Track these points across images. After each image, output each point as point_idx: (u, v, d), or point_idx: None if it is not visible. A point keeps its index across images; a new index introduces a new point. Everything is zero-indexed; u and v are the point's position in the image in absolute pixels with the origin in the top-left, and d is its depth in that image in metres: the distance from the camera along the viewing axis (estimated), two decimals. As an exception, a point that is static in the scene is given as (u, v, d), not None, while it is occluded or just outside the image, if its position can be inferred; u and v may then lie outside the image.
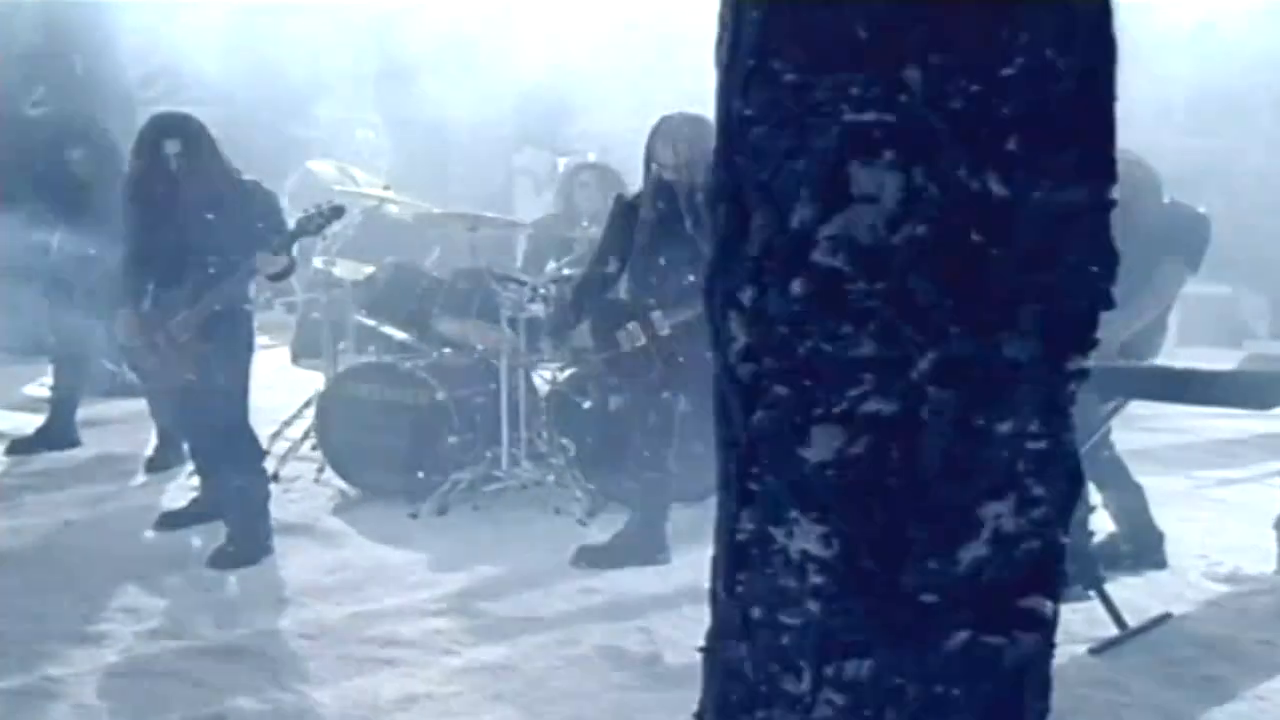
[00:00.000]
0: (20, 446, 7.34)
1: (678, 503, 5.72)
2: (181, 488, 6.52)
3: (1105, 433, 4.96)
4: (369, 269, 7.07)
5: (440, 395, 6.24)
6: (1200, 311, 8.22)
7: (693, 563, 5.41)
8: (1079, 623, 4.57)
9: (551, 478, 6.26)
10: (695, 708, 4.09)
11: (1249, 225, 8.40)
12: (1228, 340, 9.13)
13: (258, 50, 9.95)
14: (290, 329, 8.16)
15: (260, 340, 5.73)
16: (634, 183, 7.01)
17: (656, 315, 5.16)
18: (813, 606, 1.80)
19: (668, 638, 4.69)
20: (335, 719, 4.08)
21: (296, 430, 6.99)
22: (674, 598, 5.09)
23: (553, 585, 5.24)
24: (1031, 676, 1.83)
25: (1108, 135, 1.71)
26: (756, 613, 1.86)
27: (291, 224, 5.48)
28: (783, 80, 1.71)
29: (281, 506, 5.97)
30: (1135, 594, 4.96)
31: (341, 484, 6.51)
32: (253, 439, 5.65)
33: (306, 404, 7.07)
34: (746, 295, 1.78)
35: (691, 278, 5.12)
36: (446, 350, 6.71)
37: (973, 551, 1.76)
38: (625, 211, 5.36)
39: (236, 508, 5.50)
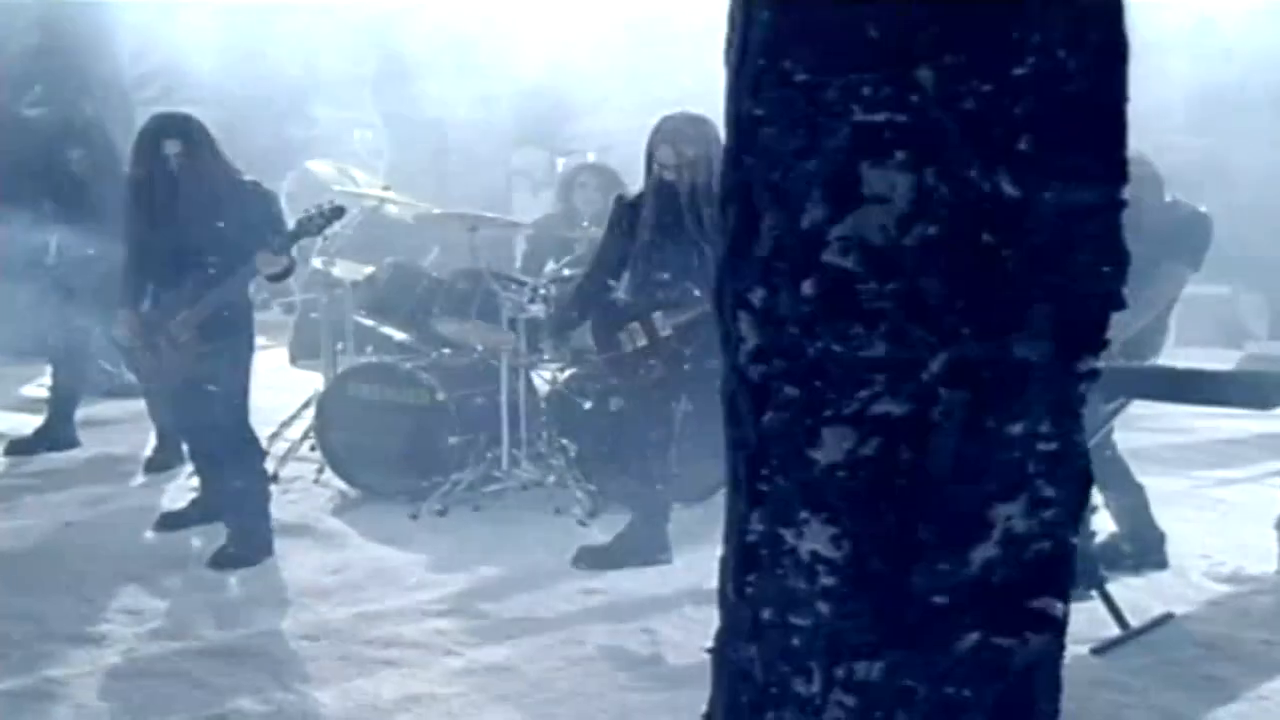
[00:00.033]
0: (19, 447, 7.33)
1: (679, 503, 5.73)
2: (181, 488, 6.51)
3: (1107, 433, 4.96)
4: (368, 269, 7.06)
5: (440, 396, 6.23)
6: (1199, 311, 8.21)
7: (694, 563, 5.43)
8: (1081, 623, 4.54)
9: (552, 478, 6.25)
10: (700, 709, 4.08)
11: (1248, 225, 8.40)
12: (1226, 340, 9.13)
13: (255, 50, 9.96)
14: (288, 329, 8.15)
15: (258, 341, 5.72)
16: (633, 183, 7.01)
17: (658, 316, 5.15)
18: (823, 608, 1.80)
19: (670, 638, 4.68)
20: (337, 720, 4.09)
21: (295, 431, 6.98)
22: (676, 598, 5.09)
23: (554, 586, 5.23)
24: (1042, 677, 1.83)
25: (1119, 135, 1.71)
26: (766, 614, 1.85)
27: (292, 224, 5.47)
28: (793, 80, 1.71)
29: (281, 507, 5.96)
30: (1137, 594, 4.96)
31: (341, 485, 6.50)
32: (253, 439, 5.64)
33: (305, 404, 7.06)
34: (757, 296, 1.78)
35: (692, 279, 5.11)
36: (446, 351, 6.71)
37: (983, 553, 1.75)
38: (626, 212, 5.35)
39: (237, 508, 5.50)
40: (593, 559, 5.42)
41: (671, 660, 4.51)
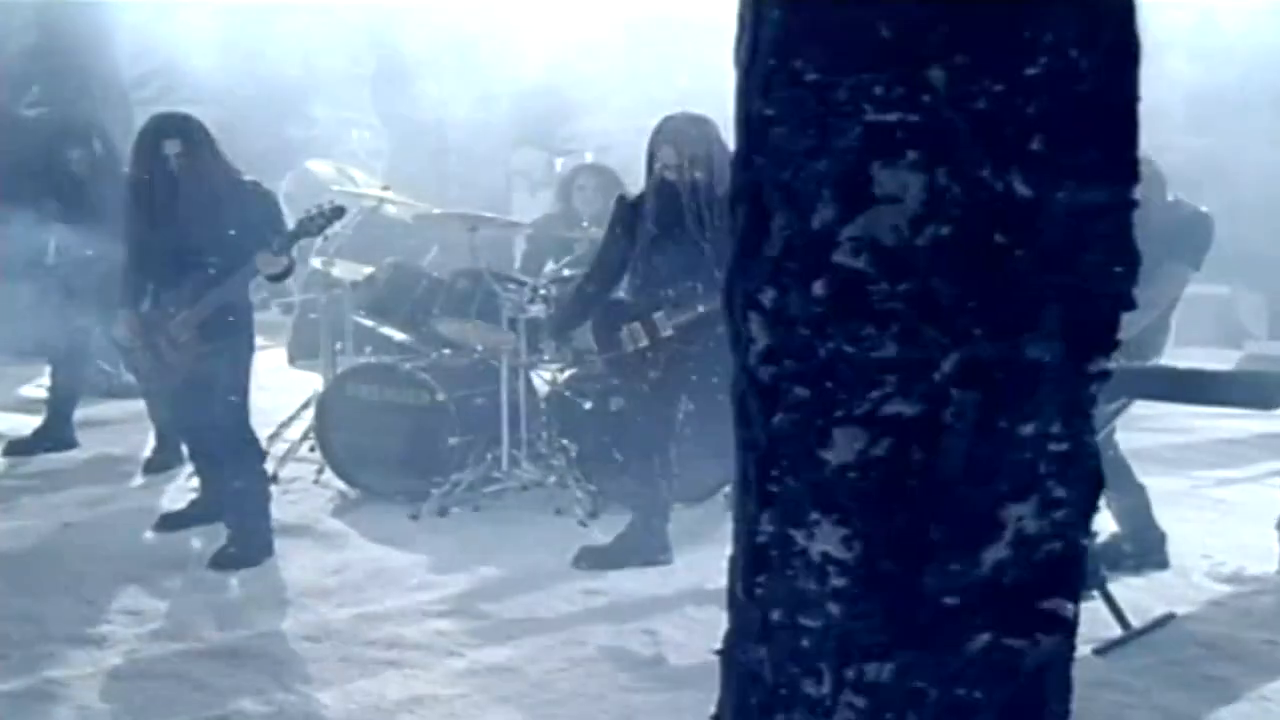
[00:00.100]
0: (18, 448, 7.32)
1: (679, 503, 5.72)
2: (181, 489, 6.50)
3: (1109, 433, 4.96)
4: (368, 269, 7.06)
5: (440, 396, 6.22)
6: (1198, 311, 8.22)
7: (695, 563, 5.43)
8: (1083, 623, 4.52)
9: (552, 479, 6.25)
10: (703, 710, 4.08)
11: (1247, 225, 8.40)
12: (1225, 340, 9.15)
13: (253, 50, 9.95)
14: (286, 330, 8.15)
15: (257, 341, 5.71)
16: (632, 183, 7.01)
17: (659, 316, 5.15)
18: (833, 609, 1.79)
19: (672, 639, 4.68)
20: (339, 721, 4.09)
21: (295, 431, 6.97)
22: (677, 599, 5.09)
23: (555, 586, 5.23)
24: (1052, 679, 1.83)
25: (1130, 135, 1.70)
26: (776, 615, 1.84)
27: (292, 224, 5.46)
28: (804, 80, 1.70)
29: (281, 508, 5.94)
30: (1138, 594, 4.96)
31: (341, 485, 6.49)
32: (253, 440, 5.63)
33: (305, 405, 7.05)
34: (767, 296, 1.77)
35: (694, 279, 5.11)
36: (446, 351, 6.70)
37: (995, 553, 1.75)
38: (627, 212, 5.34)
39: (237, 509, 5.49)
40: (594, 559, 5.42)
41: (673, 661, 4.50)
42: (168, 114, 5.56)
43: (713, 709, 4.03)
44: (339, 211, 5.50)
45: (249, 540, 5.46)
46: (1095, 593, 4.63)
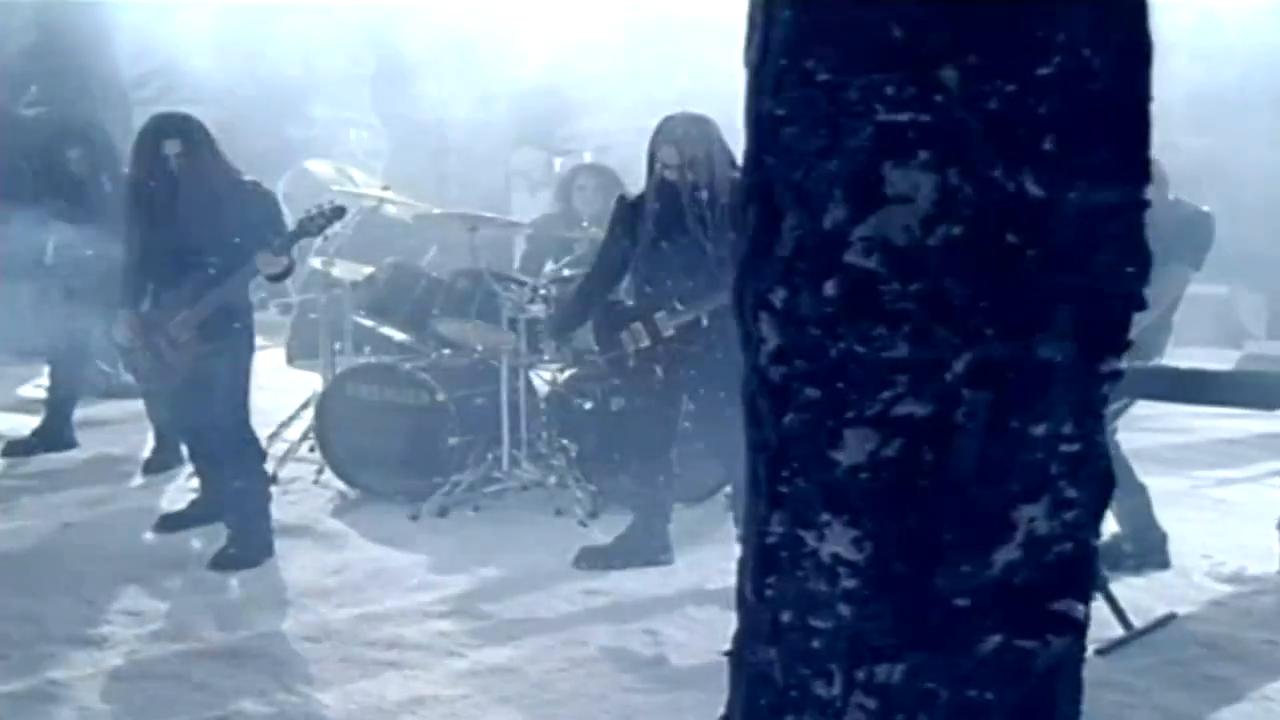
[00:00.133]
0: (16, 448, 7.30)
1: (680, 503, 5.72)
2: (180, 489, 6.49)
3: (1110, 433, 4.95)
4: (368, 269, 7.05)
5: (441, 396, 6.21)
6: (1197, 311, 8.23)
7: (695, 563, 5.43)
8: (1085, 623, 4.56)
9: (552, 479, 6.24)
10: (704, 710, 4.07)
11: (1246, 224, 8.40)
12: (1224, 340, 9.14)
13: (252, 50, 9.94)
14: (284, 330, 8.14)
15: (255, 341, 5.70)
16: (632, 183, 7.00)
17: (660, 316, 5.14)
18: (844, 610, 1.79)
19: (673, 639, 4.67)
20: (341, 722, 4.08)
21: (294, 431, 6.97)
22: (678, 599, 5.08)
23: (555, 587, 5.22)
24: (1064, 680, 1.82)
25: (1143, 135, 1.70)
26: (786, 616, 1.84)
27: (292, 224, 5.45)
28: (816, 80, 1.70)
29: (281, 508, 5.93)
30: (1139, 594, 4.96)
31: (341, 485, 6.48)
32: (253, 440, 5.62)
33: (304, 405, 7.05)
34: (778, 297, 1.77)
35: (695, 279, 5.10)
36: (445, 351, 6.69)
37: (1006, 554, 1.74)
38: (628, 212, 5.33)
39: (237, 509, 5.48)
40: (594, 559, 5.41)
41: (675, 661, 4.50)
42: (168, 114, 5.55)
43: (715, 709, 4.03)
44: (339, 211, 5.49)
45: (249, 541, 5.45)
46: (1096, 593, 4.63)
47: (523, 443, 6.33)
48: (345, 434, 6.42)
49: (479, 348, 6.56)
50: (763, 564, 1.86)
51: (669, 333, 5.15)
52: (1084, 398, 1.75)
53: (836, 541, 1.78)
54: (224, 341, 5.39)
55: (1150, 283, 4.95)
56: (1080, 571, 1.81)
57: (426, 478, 6.20)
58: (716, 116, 5.22)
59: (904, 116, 1.66)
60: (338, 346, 7.07)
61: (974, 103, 1.64)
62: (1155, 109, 1.72)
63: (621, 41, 9.09)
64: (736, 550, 5.15)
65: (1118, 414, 4.86)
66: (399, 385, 6.36)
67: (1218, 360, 7.56)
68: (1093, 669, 4.31)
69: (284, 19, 10.02)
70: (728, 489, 5.77)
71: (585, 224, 6.96)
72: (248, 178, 5.52)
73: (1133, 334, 5.09)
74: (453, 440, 6.19)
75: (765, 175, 1.78)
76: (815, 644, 1.82)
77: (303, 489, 6.56)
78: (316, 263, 7.11)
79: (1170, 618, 4.80)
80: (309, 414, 6.86)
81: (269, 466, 6.05)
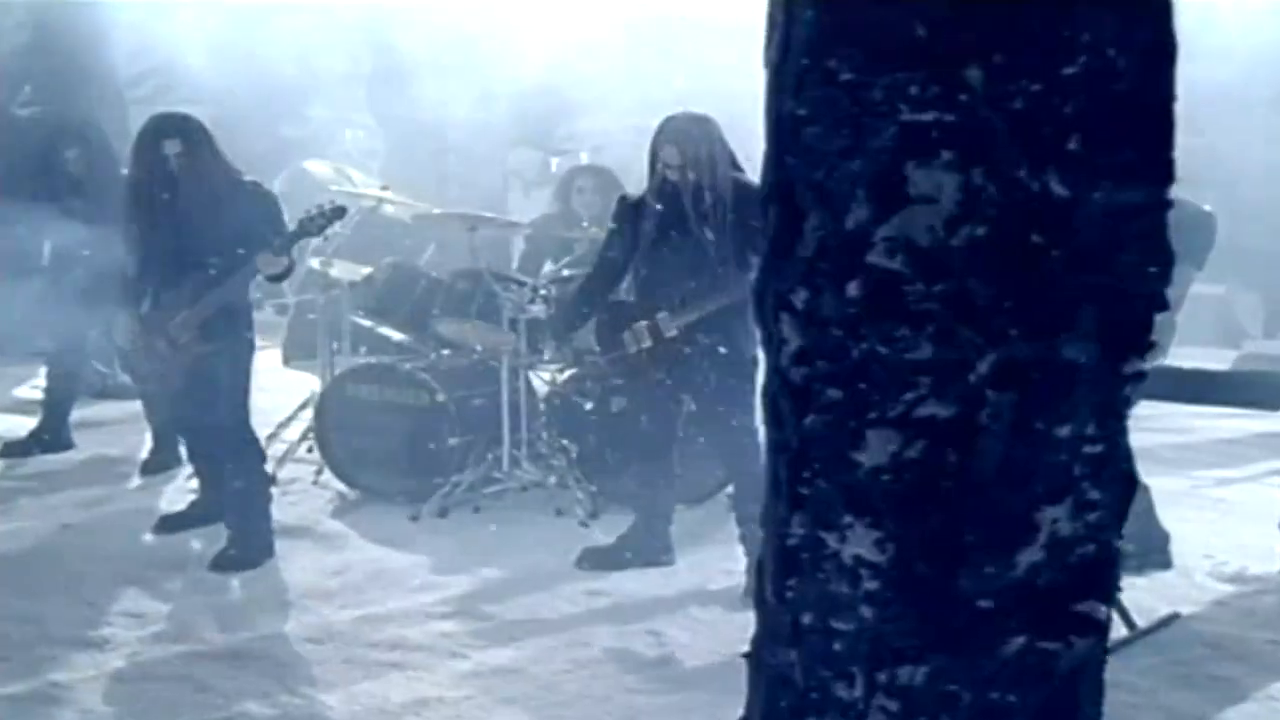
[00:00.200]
0: (14, 449, 7.28)
1: (681, 504, 5.71)
2: (179, 490, 6.48)
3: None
4: (366, 269, 7.03)
5: (440, 397, 6.20)
6: (1194, 311, 8.23)
7: (697, 564, 5.43)
8: (1088, 623, 4.55)
9: (553, 479, 6.23)
10: (709, 711, 4.08)
11: (1243, 224, 8.41)
12: (1221, 340, 9.15)
13: (249, 49, 9.91)
14: (280, 330, 8.12)
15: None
16: (630, 183, 6.99)
17: (663, 316, 5.12)
18: (866, 612, 1.78)
19: (676, 640, 4.67)
20: (345, 723, 4.07)
21: (293, 432, 6.95)
22: (680, 599, 5.08)
23: (557, 587, 5.21)
24: (1086, 682, 1.82)
25: (1167, 135, 1.69)
26: (807, 618, 1.83)
27: (293, 225, 5.44)
28: (839, 79, 1.69)
29: (280, 509, 5.91)
30: (1141, 594, 4.95)
31: (340, 486, 6.47)
32: (254, 441, 5.60)
33: (303, 405, 7.03)
34: (800, 297, 1.76)
35: (697, 279, 5.09)
36: (445, 351, 6.68)
37: (1029, 556, 1.74)
38: (629, 212, 5.32)
39: (237, 510, 5.46)
40: (596, 560, 5.40)
41: (679, 662, 4.49)
42: (167, 114, 5.54)
43: (722, 710, 4.02)
44: (340, 211, 5.48)
45: (249, 542, 5.43)
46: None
47: (523, 443, 6.32)
48: (345, 434, 6.41)
49: (479, 348, 6.55)
50: (783, 566, 1.85)
51: (672, 333, 5.14)
52: (1107, 399, 1.74)
53: (858, 543, 1.77)
54: (224, 342, 5.37)
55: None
56: (1103, 573, 1.80)
57: (426, 478, 6.19)
58: (715, 116, 5.21)
59: (928, 116, 1.65)
60: (335, 347, 7.05)
61: (999, 102, 1.63)
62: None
63: (619, 41, 9.08)
64: (738, 551, 5.18)
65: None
66: (399, 385, 6.35)
67: (1215, 360, 7.57)
68: (1097, 669, 4.32)
69: (280, 18, 9.99)
70: (729, 489, 5.76)
71: (585, 224, 6.95)
72: (247, 178, 5.50)
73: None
74: (453, 441, 6.18)
75: (787, 175, 1.77)
76: (837, 646, 1.81)
77: (302, 490, 6.54)
78: (315, 263, 7.09)
79: (1173, 618, 4.80)
80: (307, 414, 6.85)
81: (268, 467, 6.04)
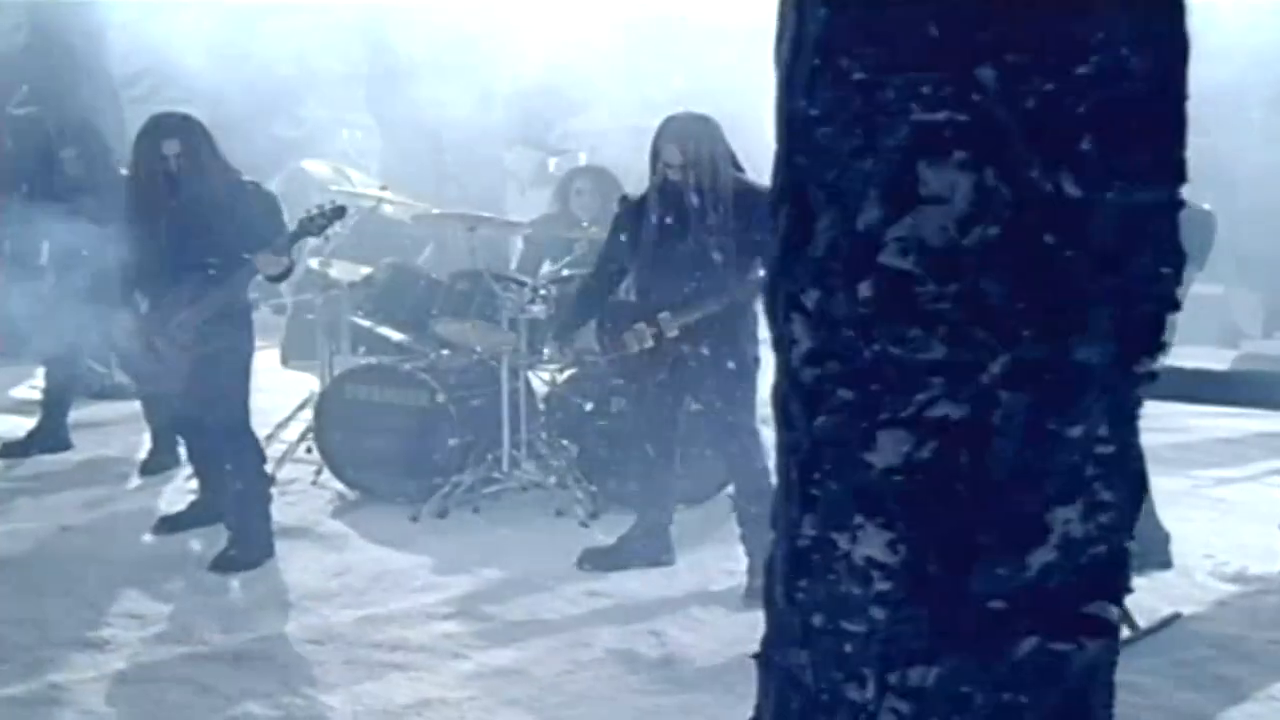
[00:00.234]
0: (12, 449, 7.27)
1: (681, 504, 5.71)
2: (178, 490, 6.48)
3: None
4: (365, 270, 7.02)
5: (440, 397, 6.19)
6: (1192, 311, 8.21)
7: (698, 564, 5.43)
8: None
9: (553, 479, 6.23)
10: (713, 711, 4.08)
11: (1242, 224, 8.41)
12: (1220, 340, 9.15)
13: (244, 49, 9.90)
14: (278, 330, 8.10)
15: (253, 342, 5.68)
16: (628, 183, 6.98)
17: (664, 316, 5.11)
18: (877, 613, 1.77)
19: (678, 640, 4.66)
20: (347, 724, 4.06)
21: (292, 432, 6.94)
22: (682, 600, 5.07)
23: (558, 588, 5.21)
24: (1098, 683, 1.81)
25: (1179, 134, 1.69)
26: (818, 620, 1.83)
27: (292, 225, 5.42)
28: (851, 79, 1.68)
29: (280, 509, 5.90)
30: (1142, 594, 4.90)
31: (339, 486, 6.46)
32: (253, 441, 5.59)
33: (301, 406, 7.02)
34: (811, 298, 1.75)
35: (698, 279, 5.08)
36: (444, 351, 6.67)
37: (1041, 557, 1.73)
38: (630, 212, 5.32)
39: (238, 511, 5.45)
40: (597, 560, 5.40)
41: (682, 662, 4.48)
42: (167, 114, 5.52)
43: (725, 711, 4.03)
44: (340, 211, 5.47)
45: (250, 542, 5.42)
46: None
47: (523, 443, 6.32)
48: (345, 435, 6.40)
49: (478, 348, 6.54)
50: (794, 567, 1.85)
51: (673, 333, 5.13)
52: (1119, 399, 1.73)
53: (870, 544, 1.76)
54: (224, 342, 5.36)
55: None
56: (1114, 574, 1.80)
57: (426, 479, 6.19)
58: (713, 116, 5.21)
59: (940, 116, 1.64)
60: (334, 347, 7.04)
61: (1011, 102, 1.62)
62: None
63: (618, 41, 9.07)
64: (739, 551, 5.18)
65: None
66: (398, 386, 6.34)
67: (1214, 360, 7.57)
68: (1099, 669, 4.31)
69: (276, 18, 9.98)
70: (729, 489, 5.76)
71: (585, 224, 6.94)
72: (247, 178, 5.49)
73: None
74: (452, 441, 6.17)
75: (798, 175, 1.76)
76: (848, 647, 1.80)
77: (301, 490, 6.55)
78: (314, 263, 7.08)
79: (1175, 617, 4.80)
80: (306, 415, 6.84)
81: (267, 468, 6.02)
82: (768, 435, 5.46)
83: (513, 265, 8.02)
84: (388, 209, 7.43)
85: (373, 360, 6.73)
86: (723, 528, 5.63)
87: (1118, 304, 1.69)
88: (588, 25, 8.75)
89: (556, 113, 11.60)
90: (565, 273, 6.56)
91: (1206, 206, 5.29)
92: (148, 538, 5.83)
